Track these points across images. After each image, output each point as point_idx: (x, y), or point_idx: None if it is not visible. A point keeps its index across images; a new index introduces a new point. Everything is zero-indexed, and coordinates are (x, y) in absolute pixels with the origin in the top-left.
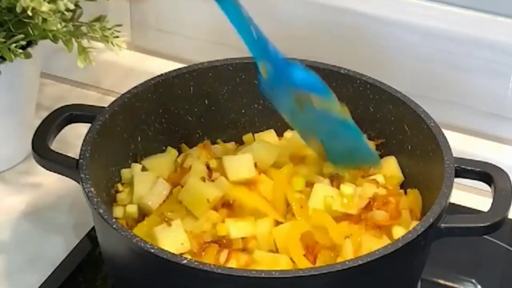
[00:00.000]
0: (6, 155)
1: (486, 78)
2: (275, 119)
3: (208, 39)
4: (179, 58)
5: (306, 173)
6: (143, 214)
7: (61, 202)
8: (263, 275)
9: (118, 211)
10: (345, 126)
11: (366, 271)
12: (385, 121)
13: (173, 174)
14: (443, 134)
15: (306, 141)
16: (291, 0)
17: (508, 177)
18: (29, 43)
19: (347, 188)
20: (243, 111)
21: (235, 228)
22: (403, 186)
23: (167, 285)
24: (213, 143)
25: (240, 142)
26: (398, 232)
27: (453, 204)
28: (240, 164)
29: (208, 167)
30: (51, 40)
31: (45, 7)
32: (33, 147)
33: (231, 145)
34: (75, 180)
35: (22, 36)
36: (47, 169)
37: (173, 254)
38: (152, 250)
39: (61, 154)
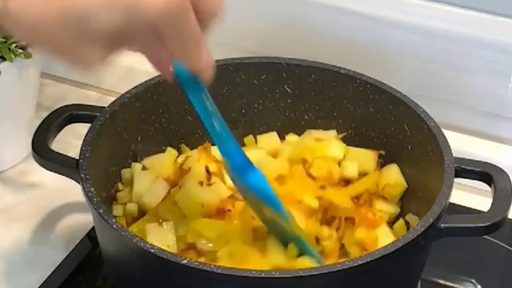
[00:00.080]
0: (6, 155)
1: (486, 78)
2: (275, 119)
3: (208, 39)
4: None
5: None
6: (142, 212)
7: (61, 202)
8: (263, 275)
9: (117, 209)
10: (296, 241)
11: (366, 271)
12: (385, 121)
13: (173, 174)
14: (443, 134)
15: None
16: (291, 0)
17: (508, 177)
18: None
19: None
20: (243, 111)
21: (204, 241)
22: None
23: (167, 285)
24: (214, 144)
25: (241, 143)
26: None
27: (453, 204)
28: None
29: (207, 170)
30: None
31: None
32: (33, 147)
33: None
34: (75, 180)
35: None
36: (47, 169)
37: (173, 254)
38: (152, 250)
39: (61, 154)
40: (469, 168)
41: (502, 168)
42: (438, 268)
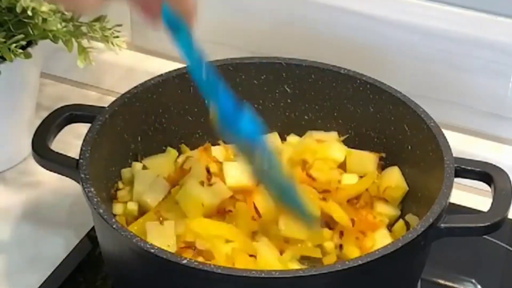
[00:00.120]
0: (6, 155)
1: (486, 78)
2: (276, 119)
3: (208, 39)
4: (179, 58)
5: None
6: (142, 211)
7: (61, 202)
8: (263, 275)
9: (118, 208)
10: (285, 184)
11: (366, 271)
12: (385, 121)
13: (173, 173)
14: (443, 134)
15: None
16: (291, 0)
17: (508, 177)
18: (29, 43)
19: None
20: None
21: (201, 241)
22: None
23: (167, 285)
24: (214, 144)
25: None
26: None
27: (453, 204)
28: (240, 171)
29: (208, 170)
30: (51, 40)
31: (45, 7)
32: (33, 147)
33: (231, 147)
34: (75, 180)
35: (22, 36)
36: (47, 169)
37: (173, 254)
38: (152, 250)
39: (61, 154)
40: (469, 168)
41: (502, 168)
42: (438, 268)
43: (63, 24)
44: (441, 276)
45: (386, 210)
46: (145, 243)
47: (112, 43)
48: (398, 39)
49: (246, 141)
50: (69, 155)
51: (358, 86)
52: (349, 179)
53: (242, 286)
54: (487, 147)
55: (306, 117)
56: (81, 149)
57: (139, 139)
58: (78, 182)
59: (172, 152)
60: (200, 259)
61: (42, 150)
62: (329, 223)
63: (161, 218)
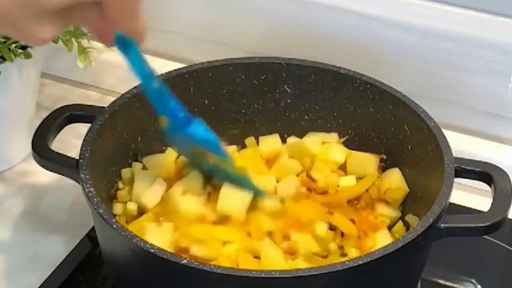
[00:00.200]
0: (6, 155)
1: (486, 78)
2: (276, 119)
3: (208, 39)
4: (179, 58)
5: None
6: (142, 212)
7: (61, 202)
8: (263, 275)
9: (118, 208)
10: (241, 181)
11: (366, 271)
12: (385, 121)
13: (172, 175)
14: (443, 134)
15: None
16: (291, 0)
17: (508, 177)
18: None
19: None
20: (243, 111)
21: (198, 246)
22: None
23: (167, 285)
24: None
25: (241, 143)
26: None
27: (453, 204)
28: (235, 200)
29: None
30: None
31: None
32: (33, 147)
33: (231, 148)
34: (75, 180)
35: None
36: (47, 169)
37: (173, 254)
38: (152, 250)
39: (61, 154)
40: (469, 168)
41: (502, 168)
42: (438, 268)
43: None
44: (441, 276)
45: (386, 212)
46: (145, 243)
47: None
48: (398, 39)
49: (199, 144)
50: (69, 155)
51: (358, 86)
52: (347, 181)
53: (242, 286)
54: (487, 147)
55: (306, 117)
56: (81, 149)
57: (139, 139)
58: (78, 182)
59: (172, 152)
60: None
61: (42, 150)
62: (330, 224)
63: (160, 218)
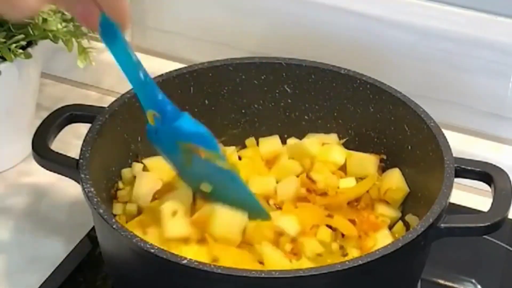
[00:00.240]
0: (6, 155)
1: (486, 78)
2: (276, 119)
3: (208, 39)
4: (179, 58)
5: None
6: (141, 212)
7: (61, 202)
8: (263, 275)
9: (118, 208)
10: (231, 178)
11: (366, 271)
12: (385, 121)
13: (171, 179)
14: (443, 134)
15: (194, 189)
16: (291, 0)
17: (508, 177)
18: (29, 43)
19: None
20: (243, 111)
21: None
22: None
23: (167, 285)
24: None
25: (241, 143)
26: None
27: (453, 204)
28: (230, 224)
29: None
30: (51, 40)
31: (45, 7)
32: (33, 147)
33: (231, 149)
34: (75, 180)
35: (22, 36)
36: (47, 169)
37: (173, 254)
38: (152, 250)
39: (61, 154)
40: (469, 168)
41: (502, 168)
42: (438, 268)
43: (63, 24)
44: (441, 276)
45: (387, 212)
46: (145, 243)
47: None
48: (398, 39)
49: (190, 139)
50: (69, 155)
51: (358, 86)
52: (347, 183)
53: (242, 286)
54: (487, 147)
55: (306, 117)
56: (81, 149)
57: (139, 139)
58: (78, 182)
59: None
60: None
61: (42, 150)
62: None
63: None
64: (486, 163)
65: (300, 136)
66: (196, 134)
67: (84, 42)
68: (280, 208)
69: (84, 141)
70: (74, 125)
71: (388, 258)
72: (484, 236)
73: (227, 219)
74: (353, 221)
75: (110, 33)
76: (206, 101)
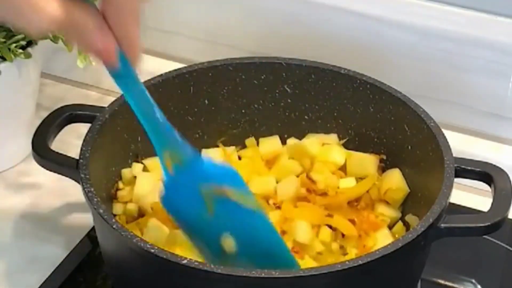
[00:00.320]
0: (6, 155)
1: (486, 78)
2: (276, 119)
3: (208, 39)
4: (179, 58)
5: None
6: (141, 213)
7: (61, 202)
8: (263, 275)
9: (118, 208)
10: (260, 220)
11: (366, 271)
12: (385, 121)
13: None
14: (443, 134)
15: (212, 255)
16: (291, 0)
17: (508, 177)
18: (29, 43)
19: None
20: (243, 111)
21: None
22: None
23: (167, 285)
24: (214, 145)
25: (241, 143)
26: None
27: (453, 204)
28: None
29: None
30: (51, 40)
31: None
32: (33, 147)
33: (231, 149)
34: (75, 180)
35: (22, 36)
36: (47, 169)
37: (173, 254)
38: (152, 250)
39: (61, 154)
40: (469, 168)
41: (502, 168)
42: (438, 268)
43: None
44: (441, 276)
45: (387, 212)
46: (145, 243)
47: None
48: (398, 39)
49: (215, 181)
50: (69, 155)
51: (358, 86)
52: (347, 183)
53: (242, 286)
54: (487, 147)
55: (306, 117)
56: (81, 149)
57: (139, 139)
58: (78, 182)
59: None
60: None
61: (42, 150)
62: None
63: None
64: (486, 163)
65: (300, 136)
66: (225, 173)
67: None
68: (279, 207)
69: (84, 141)
70: (74, 125)
71: (388, 258)
72: (484, 236)
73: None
74: (353, 221)
75: (123, 70)
76: (206, 101)
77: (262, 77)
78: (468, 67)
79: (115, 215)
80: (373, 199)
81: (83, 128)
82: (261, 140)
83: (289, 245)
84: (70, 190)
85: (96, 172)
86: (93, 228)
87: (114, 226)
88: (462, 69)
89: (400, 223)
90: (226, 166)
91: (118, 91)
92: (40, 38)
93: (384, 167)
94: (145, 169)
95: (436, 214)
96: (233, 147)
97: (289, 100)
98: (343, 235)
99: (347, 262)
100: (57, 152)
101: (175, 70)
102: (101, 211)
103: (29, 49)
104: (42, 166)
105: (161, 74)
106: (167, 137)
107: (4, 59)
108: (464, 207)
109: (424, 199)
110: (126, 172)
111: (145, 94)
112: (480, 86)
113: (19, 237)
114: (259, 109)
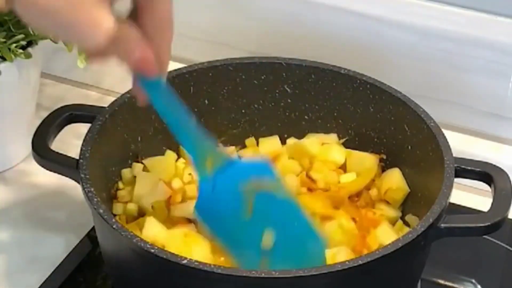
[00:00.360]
0: (6, 155)
1: (486, 78)
2: (276, 119)
3: (208, 39)
4: (179, 58)
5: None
6: (142, 213)
7: (61, 202)
8: (263, 275)
9: (118, 208)
10: (293, 208)
11: (366, 271)
12: (385, 121)
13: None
14: (443, 134)
15: (251, 257)
16: (291, 0)
17: (508, 177)
18: (29, 43)
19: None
20: (243, 111)
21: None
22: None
23: (167, 285)
24: None
25: (241, 143)
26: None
27: (453, 204)
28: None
29: None
30: (51, 40)
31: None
32: (33, 147)
33: (231, 149)
34: (75, 180)
35: (22, 36)
36: (47, 169)
37: (173, 254)
38: (152, 250)
39: (61, 154)
40: (469, 168)
41: (502, 168)
42: (438, 268)
43: None
44: (441, 276)
45: (387, 212)
46: (145, 243)
47: None
48: (398, 39)
49: (251, 176)
50: (69, 155)
51: (358, 86)
52: (347, 178)
53: (242, 286)
54: (487, 147)
55: (306, 117)
56: (81, 149)
57: (139, 139)
58: (78, 182)
59: (171, 155)
60: None
61: (42, 150)
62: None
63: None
64: (486, 163)
65: (300, 136)
66: (258, 165)
67: None
68: None
69: (84, 141)
70: (74, 125)
71: (388, 258)
72: (484, 236)
73: None
74: (354, 220)
75: (156, 80)
76: (206, 101)
77: (262, 77)
78: (468, 67)
79: (115, 215)
80: (373, 200)
81: (83, 128)
82: (261, 140)
83: None
84: (70, 190)
85: (96, 172)
86: (93, 228)
87: (114, 226)
88: (462, 69)
89: (400, 223)
90: (259, 160)
91: (118, 91)
92: (40, 38)
93: (384, 167)
94: (145, 169)
95: (436, 214)
96: (233, 147)
97: (289, 100)
98: None
99: (347, 262)
100: (57, 152)
101: (175, 70)
102: (101, 211)
103: (29, 49)
104: (42, 166)
105: None
106: (204, 142)
107: (4, 59)
108: (464, 207)
109: (424, 199)
110: (126, 172)
111: (177, 102)
112: (480, 86)
113: (19, 237)
114: (259, 109)
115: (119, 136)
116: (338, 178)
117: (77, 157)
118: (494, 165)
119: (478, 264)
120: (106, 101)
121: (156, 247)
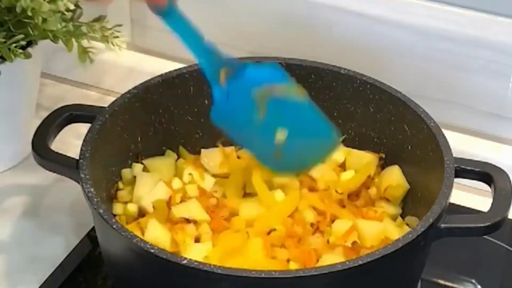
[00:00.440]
0: (6, 155)
1: (486, 78)
2: None
3: (208, 39)
4: (179, 58)
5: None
6: (142, 213)
7: (61, 202)
8: (263, 275)
9: (118, 208)
10: (305, 106)
11: (366, 271)
12: (385, 121)
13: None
14: (443, 134)
15: (266, 156)
16: (291, 0)
17: (508, 177)
18: (29, 43)
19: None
20: None
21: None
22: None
23: (167, 285)
24: (214, 145)
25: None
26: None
27: (453, 204)
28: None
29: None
30: (51, 40)
31: (45, 7)
32: (33, 147)
33: (231, 149)
34: (75, 180)
35: (22, 36)
36: (47, 169)
37: (173, 254)
38: (152, 250)
39: (61, 154)
40: (469, 168)
41: (502, 168)
42: (438, 268)
43: (63, 24)
44: (441, 276)
45: (387, 209)
46: (145, 243)
47: (112, 43)
48: (398, 39)
49: (265, 81)
50: (69, 155)
51: (358, 86)
52: (347, 175)
53: (242, 286)
54: (487, 147)
55: None
56: (81, 149)
57: (139, 139)
58: (78, 182)
59: (171, 155)
60: None
61: (42, 150)
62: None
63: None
64: (486, 163)
65: None
66: (270, 70)
67: (84, 42)
68: None
69: (84, 141)
70: (74, 125)
71: (388, 258)
72: (484, 236)
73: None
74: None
75: (169, 8)
76: (206, 101)
77: None
78: (468, 67)
79: (115, 215)
80: (373, 199)
81: (83, 128)
82: None
83: (299, 230)
84: (70, 190)
85: (96, 172)
86: (93, 228)
87: (114, 226)
88: (462, 69)
89: (400, 219)
90: (268, 64)
91: (118, 91)
92: (40, 38)
93: (383, 166)
94: (145, 169)
95: (436, 214)
96: (232, 147)
97: None
98: None
99: (347, 262)
100: (57, 152)
101: (175, 70)
102: (101, 211)
103: (29, 49)
104: (42, 166)
105: (161, 74)
106: (218, 57)
107: (4, 59)
108: (464, 207)
109: (424, 199)
110: (126, 172)
111: (190, 25)
112: (480, 86)
113: (19, 237)
114: None
115: (119, 136)
116: (338, 177)
117: (77, 157)
118: (494, 165)
119: (478, 264)
120: (106, 101)
121: (156, 247)
